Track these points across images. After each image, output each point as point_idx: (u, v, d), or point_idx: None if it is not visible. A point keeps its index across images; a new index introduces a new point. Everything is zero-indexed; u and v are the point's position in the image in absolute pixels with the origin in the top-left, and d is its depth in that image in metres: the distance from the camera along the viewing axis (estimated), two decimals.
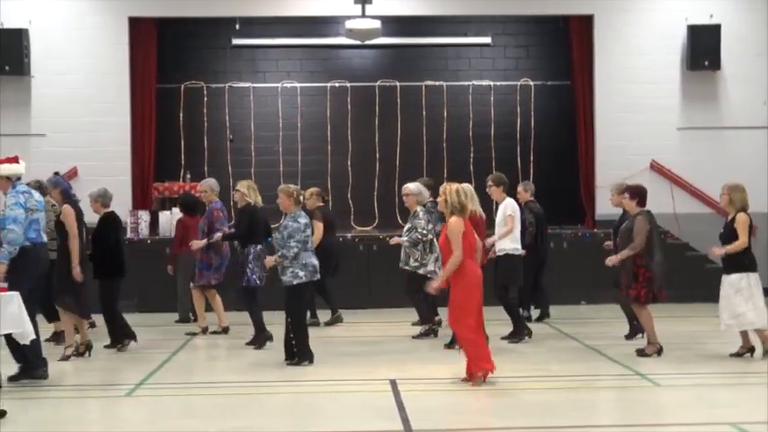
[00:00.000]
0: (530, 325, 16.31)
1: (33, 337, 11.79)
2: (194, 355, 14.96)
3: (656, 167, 21.15)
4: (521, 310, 16.34)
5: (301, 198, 13.73)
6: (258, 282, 15.00)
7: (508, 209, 15.31)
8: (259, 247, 15.07)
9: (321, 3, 21.34)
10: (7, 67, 20.45)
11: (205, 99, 22.18)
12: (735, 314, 13.45)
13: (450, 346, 14.18)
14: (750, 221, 13.53)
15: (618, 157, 21.03)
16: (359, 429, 10.17)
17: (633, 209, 13.95)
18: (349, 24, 20.93)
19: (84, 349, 14.12)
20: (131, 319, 16.47)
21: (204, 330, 16.35)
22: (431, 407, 11.00)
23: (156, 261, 18.38)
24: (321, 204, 17.06)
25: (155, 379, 12.74)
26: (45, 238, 12.65)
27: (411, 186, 15.68)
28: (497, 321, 15.31)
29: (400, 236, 15.48)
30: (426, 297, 15.19)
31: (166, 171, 21.54)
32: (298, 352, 13.39)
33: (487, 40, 22.47)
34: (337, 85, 22.32)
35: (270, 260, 13.43)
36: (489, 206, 16.25)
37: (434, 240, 14.87)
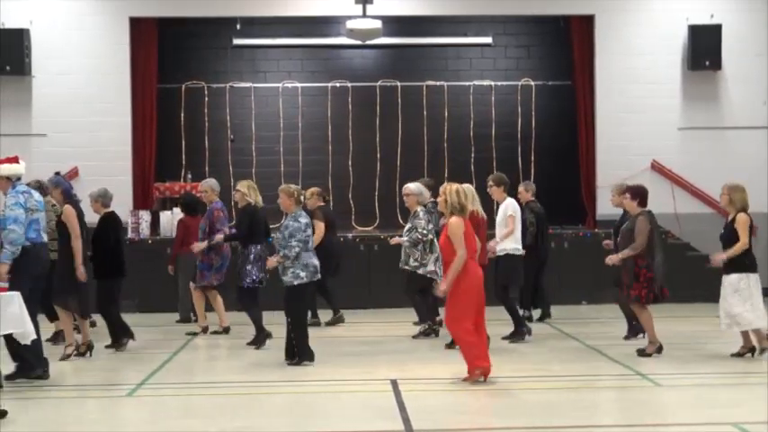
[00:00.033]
0: (531, 325, 16.34)
1: (34, 337, 11.77)
2: (195, 355, 14.96)
3: (657, 167, 21.15)
4: (521, 311, 16.38)
5: (302, 198, 13.74)
6: (259, 282, 15.00)
7: (509, 209, 15.31)
8: (259, 247, 15.08)
9: (322, 3, 21.34)
10: (8, 67, 20.45)
11: (206, 99, 22.18)
12: (730, 314, 13.46)
13: (451, 345, 14.19)
14: (750, 221, 13.54)
15: (619, 157, 21.03)
16: (360, 429, 10.17)
17: (634, 209, 13.95)
18: (350, 24, 20.93)
19: (85, 349, 14.12)
20: (132, 319, 16.51)
21: (204, 330, 16.35)
22: (432, 407, 11.00)
23: (157, 261, 18.39)
24: (322, 204, 17.06)
25: (156, 379, 12.74)
26: (45, 238, 12.65)
27: (411, 186, 15.68)
28: (498, 321, 15.31)
29: (401, 236, 15.49)
30: (428, 297, 15.22)
31: (167, 171, 21.54)
32: (298, 351, 13.39)
33: (488, 40, 22.46)
34: (338, 85, 22.32)
35: (272, 261, 13.43)
36: (490, 206, 16.23)
37: (435, 240, 14.88)
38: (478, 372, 11.99)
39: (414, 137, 22.17)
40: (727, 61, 21.04)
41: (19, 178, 12.54)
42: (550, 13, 21.72)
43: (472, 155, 22.11)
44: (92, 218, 14.68)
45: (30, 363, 12.15)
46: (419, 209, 15.41)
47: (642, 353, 13.75)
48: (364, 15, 20.87)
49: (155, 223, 20.07)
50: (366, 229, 21.66)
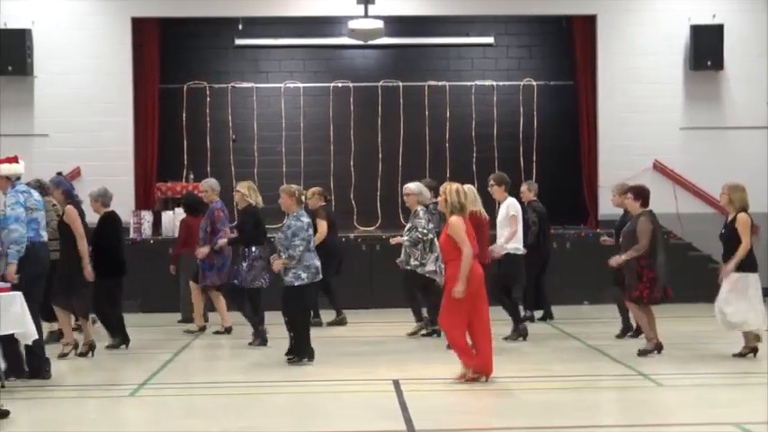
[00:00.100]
0: (532, 325, 16.36)
1: (35, 337, 11.81)
2: (197, 355, 14.97)
3: (659, 167, 21.15)
4: (523, 311, 16.38)
5: (303, 198, 13.75)
6: (262, 283, 15.03)
7: (511, 209, 15.32)
8: (260, 248, 15.08)
9: (324, 3, 21.34)
10: (10, 68, 20.46)
11: (208, 99, 22.19)
12: (722, 311, 13.47)
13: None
14: (751, 221, 13.54)
15: (621, 156, 21.03)
16: (361, 429, 10.17)
17: (636, 209, 13.95)
18: (352, 24, 20.94)
19: (87, 349, 14.13)
20: (134, 319, 16.58)
21: (201, 330, 16.36)
22: (433, 407, 11.00)
23: (159, 261, 18.40)
24: (323, 204, 17.06)
25: (157, 379, 12.75)
26: (45, 237, 12.67)
27: (411, 186, 15.69)
28: (499, 321, 15.30)
29: (401, 236, 15.50)
30: (430, 297, 15.21)
31: (169, 171, 21.54)
32: (297, 350, 13.42)
33: (490, 40, 22.46)
34: (340, 85, 22.32)
35: (278, 263, 13.37)
36: (490, 206, 16.24)
37: (435, 240, 14.88)
38: (469, 370, 12.02)
39: (415, 137, 22.18)
40: (730, 61, 21.04)
41: (18, 178, 12.56)
42: (552, 13, 21.72)
43: (474, 155, 22.11)
44: (92, 217, 14.70)
45: (17, 365, 12.12)
46: (419, 208, 15.42)
47: (643, 352, 13.76)
48: (366, 15, 20.88)
49: (156, 223, 20.07)
50: (368, 229, 21.67)
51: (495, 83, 22.43)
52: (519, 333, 15.23)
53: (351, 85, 22.31)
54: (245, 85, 22.33)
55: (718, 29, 20.91)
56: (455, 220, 12.04)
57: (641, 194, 14.01)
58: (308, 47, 22.58)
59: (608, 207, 17.79)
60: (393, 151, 22.20)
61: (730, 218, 13.64)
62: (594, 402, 11.57)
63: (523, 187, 17.44)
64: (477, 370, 12.06)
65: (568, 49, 21.98)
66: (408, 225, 15.46)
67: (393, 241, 16.00)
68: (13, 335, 11.61)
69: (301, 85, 22.35)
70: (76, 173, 20.37)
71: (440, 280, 14.16)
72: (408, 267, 15.28)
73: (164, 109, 21.76)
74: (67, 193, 14.05)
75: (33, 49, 20.67)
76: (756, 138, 21.19)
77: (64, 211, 13.91)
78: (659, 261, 13.68)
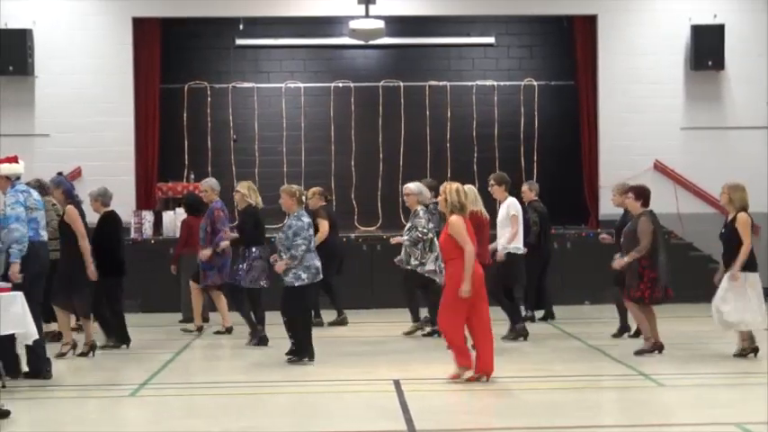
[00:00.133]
0: (533, 325, 16.37)
1: (36, 337, 11.81)
2: (198, 355, 14.97)
3: (660, 167, 21.16)
4: (524, 311, 16.37)
5: (303, 198, 13.76)
6: (262, 283, 15.03)
7: (511, 209, 15.32)
8: (260, 248, 15.08)
9: (325, 3, 21.34)
10: (11, 68, 20.47)
11: (209, 99, 22.19)
12: (719, 309, 13.47)
13: None
14: (751, 221, 13.54)
15: (621, 156, 21.03)
16: (363, 429, 10.17)
17: (637, 209, 13.95)
18: (352, 24, 20.94)
19: (88, 349, 14.13)
20: (135, 319, 16.58)
21: (199, 329, 16.36)
22: (435, 407, 11.00)
23: (160, 261, 18.40)
24: (324, 204, 17.05)
25: (158, 379, 12.75)
26: (44, 237, 12.67)
27: (411, 186, 15.70)
28: (500, 321, 15.31)
29: (401, 235, 15.52)
30: (430, 296, 15.21)
31: (170, 171, 21.55)
32: (297, 350, 13.43)
33: (491, 40, 22.46)
34: (341, 85, 22.32)
35: (281, 264, 13.36)
36: (490, 206, 16.23)
37: (434, 240, 14.89)
38: (463, 371, 12.03)
39: (416, 137, 22.19)
40: (730, 61, 21.04)
41: (18, 178, 12.57)
42: (553, 13, 21.72)
43: (475, 155, 22.11)
44: (92, 217, 14.70)
45: (7, 364, 12.12)
46: (419, 208, 15.43)
47: (640, 352, 13.78)
48: (367, 15, 20.88)
49: (157, 223, 20.08)
50: (369, 229, 21.67)
51: (495, 83, 22.43)
52: (517, 333, 15.22)
53: (352, 85, 22.31)
54: (245, 85, 22.33)
55: (719, 29, 20.92)
56: (455, 219, 12.04)
57: (642, 194, 14.01)
58: (309, 47, 22.58)
59: (609, 207, 17.80)
60: (394, 151, 22.20)
61: (730, 217, 13.64)
62: (595, 402, 11.57)
63: (524, 187, 17.45)
64: (479, 370, 12.07)
65: (569, 49, 21.98)
66: (408, 225, 15.48)
67: (393, 241, 16.01)
68: (10, 335, 11.62)
69: (302, 85, 22.36)
70: (77, 173, 20.38)
71: (439, 279, 14.16)
72: (409, 267, 15.29)
73: (165, 109, 21.76)
74: (68, 193, 14.05)
75: (34, 49, 20.68)
76: (757, 138, 21.19)
77: (64, 211, 13.90)
78: (660, 261, 13.68)
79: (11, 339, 11.89)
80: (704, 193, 20.90)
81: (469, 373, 12.06)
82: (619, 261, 13.87)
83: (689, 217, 20.74)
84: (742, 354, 13.56)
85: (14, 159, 12.59)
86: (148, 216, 19.94)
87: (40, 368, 12.32)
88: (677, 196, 20.95)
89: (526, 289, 16.95)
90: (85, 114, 20.79)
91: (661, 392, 11.80)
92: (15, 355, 12.26)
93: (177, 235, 18.24)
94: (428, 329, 15.66)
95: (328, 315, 17.16)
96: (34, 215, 12.43)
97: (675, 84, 21.29)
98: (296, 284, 13.28)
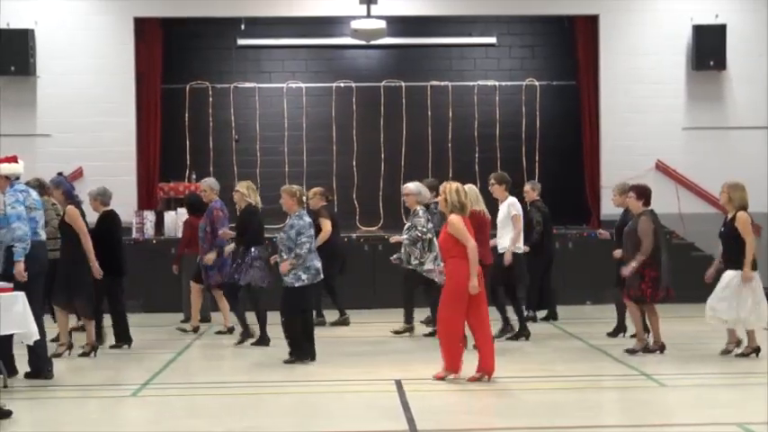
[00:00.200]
0: (535, 325, 16.37)
1: (37, 337, 11.81)
2: (199, 355, 14.98)
3: (662, 167, 21.15)
4: (526, 311, 16.36)
5: (304, 198, 13.76)
6: (263, 283, 15.04)
7: (512, 209, 15.32)
8: (260, 247, 15.08)
9: (326, 3, 21.34)
10: (13, 68, 20.47)
11: (210, 99, 22.19)
12: (713, 308, 13.49)
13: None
14: (750, 220, 13.54)
15: (623, 156, 21.02)
16: (364, 429, 10.18)
17: (638, 208, 13.95)
18: (354, 24, 20.94)
19: (89, 350, 14.14)
20: (137, 319, 16.59)
21: (195, 330, 16.37)
22: (436, 407, 11.00)
23: (161, 261, 18.40)
24: (325, 204, 17.04)
25: (160, 379, 12.75)
26: (43, 237, 12.67)
27: (410, 186, 15.71)
28: (500, 321, 15.34)
29: (401, 235, 15.55)
30: (431, 296, 15.22)
31: (172, 171, 21.54)
32: (292, 350, 13.42)
33: (492, 40, 22.45)
34: (342, 85, 22.32)
35: (285, 264, 13.37)
36: (490, 205, 16.22)
37: (433, 239, 14.90)
38: (447, 374, 12.05)
39: (418, 137, 22.18)
40: (732, 61, 21.03)
41: (18, 178, 12.58)
42: (555, 13, 21.70)
43: (476, 155, 22.11)
44: (92, 217, 14.70)
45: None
46: (419, 208, 15.45)
47: (632, 351, 13.79)
48: (368, 15, 20.88)
49: (159, 223, 20.08)
50: (370, 229, 21.67)
51: (497, 83, 22.42)
52: (503, 333, 15.19)
53: (353, 85, 22.31)
54: (247, 85, 22.32)
55: (721, 29, 20.90)
56: (454, 218, 12.05)
57: (643, 194, 14.02)
58: (311, 47, 22.58)
59: (610, 207, 17.77)
60: (396, 151, 22.19)
61: (729, 216, 13.65)
62: (597, 402, 11.57)
63: (527, 187, 17.45)
64: (480, 369, 12.07)
65: (571, 49, 21.97)
66: (408, 224, 15.49)
67: (392, 240, 16.04)
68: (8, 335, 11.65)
69: (304, 85, 22.35)
70: (79, 173, 20.38)
71: (438, 279, 14.14)
72: (410, 266, 15.30)
73: (166, 109, 21.76)
74: (68, 194, 14.05)
75: (36, 49, 20.67)
76: (759, 138, 21.18)
77: (64, 212, 13.90)
78: (662, 260, 13.69)
79: (9, 339, 11.90)
80: (706, 193, 20.88)
81: (452, 376, 12.10)
82: (626, 268, 13.80)
83: (690, 217, 20.73)
84: (727, 352, 13.60)
85: (14, 159, 12.59)
86: (150, 216, 19.95)
87: (41, 368, 12.33)
88: (679, 196, 20.94)
89: (529, 289, 16.95)
90: (87, 114, 20.79)
91: (662, 392, 11.81)
92: (11, 355, 12.26)
93: (179, 235, 18.25)
94: (429, 330, 15.64)
95: (330, 315, 17.16)
96: (33, 215, 12.44)
97: (677, 84, 21.28)
98: (296, 285, 13.29)
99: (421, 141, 22.18)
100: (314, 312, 15.44)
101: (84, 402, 11.72)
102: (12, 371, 12.22)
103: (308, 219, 13.51)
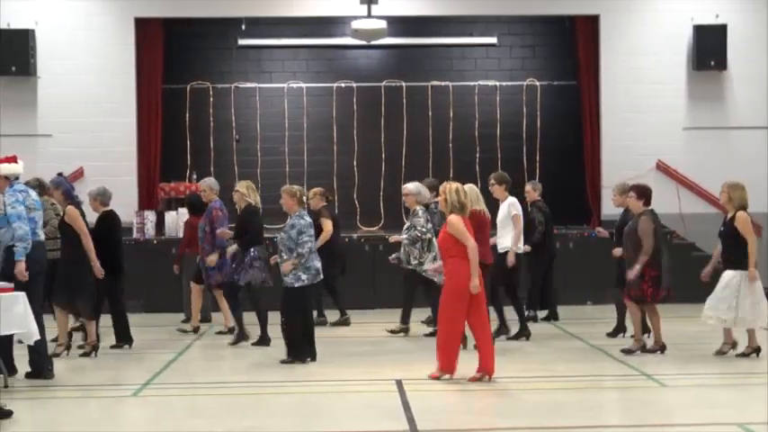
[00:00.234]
0: (536, 325, 16.38)
1: (38, 337, 11.82)
2: (200, 355, 14.98)
3: (662, 167, 21.15)
4: (527, 311, 16.37)
5: (304, 198, 13.76)
6: (264, 284, 15.04)
7: (512, 208, 15.32)
8: (259, 247, 15.09)
9: (327, 3, 21.34)
10: (13, 68, 20.48)
11: (211, 99, 22.19)
12: (711, 307, 13.48)
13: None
14: (750, 220, 13.55)
15: (624, 156, 21.03)
16: (365, 429, 10.18)
17: (638, 208, 13.95)
18: (355, 25, 20.94)
19: (90, 349, 14.14)
20: (138, 319, 16.59)
21: (195, 330, 16.37)
22: (437, 407, 11.01)
23: (162, 261, 18.41)
24: (325, 204, 17.04)
25: (161, 379, 12.76)
26: (41, 237, 12.68)
27: (410, 186, 15.74)
28: (510, 321, 15.34)
29: (400, 234, 15.56)
30: (431, 296, 15.22)
31: (172, 171, 21.54)
32: (289, 350, 13.43)
33: (493, 40, 22.45)
34: (343, 85, 22.32)
35: (287, 265, 13.36)
36: (490, 205, 16.23)
37: (433, 239, 14.91)
38: (444, 374, 12.05)
39: (419, 137, 22.18)
40: (733, 61, 21.03)
41: (17, 178, 12.59)
42: (555, 13, 21.71)
43: (477, 155, 22.11)
44: (92, 217, 14.71)
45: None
46: (418, 208, 15.46)
47: (628, 351, 13.79)
48: (369, 15, 20.88)
49: (160, 223, 20.09)
50: (371, 229, 21.67)
51: (498, 83, 22.42)
52: (499, 333, 15.18)
53: (354, 85, 22.31)
54: (248, 85, 22.33)
55: (722, 29, 20.90)
56: (454, 218, 12.06)
57: (644, 194, 14.02)
58: (312, 47, 22.58)
59: (611, 207, 17.76)
60: (396, 151, 22.19)
61: (729, 216, 13.66)
62: (598, 402, 11.57)
63: (528, 187, 17.45)
64: (480, 369, 12.08)
65: (571, 49, 21.97)
66: (407, 224, 15.51)
67: (392, 239, 16.06)
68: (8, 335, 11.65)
69: (304, 85, 22.35)
70: (80, 173, 20.39)
71: (438, 279, 14.16)
72: (409, 266, 15.32)
73: (167, 109, 21.76)
74: (67, 194, 14.04)
75: (36, 49, 20.68)
76: (759, 138, 21.18)
77: (64, 212, 13.91)
78: (662, 260, 13.69)
79: (9, 339, 11.90)
80: (706, 193, 20.88)
81: (447, 377, 12.12)
82: (631, 271, 13.76)
83: (691, 217, 20.73)
84: (721, 353, 13.61)
85: (13, 159, 12.59)
86: (151, 216, 19.94)
87: (41, 368, 12.33)
88: (680, 196, 20.95)
89: (530, 289, 16.96)
90: (88, 115, 20.79)
91: (663, 393, 11.81)
92: (11, 355, 12.26)
93: (180, 235, 18.25)
94: (430, 330, 15.64)
95: (331, 315, 17.16)
96: (32, 215, 12.43)
97: (678, 84, 21.28)
98: (296, 285, 13.29)
99: (422, 141, 22.18)
100: (315, 312, 15.48)
101: (84, 402, 11.73)
102: (11, 370, 12.23)
103: (308, 218, 13.52)
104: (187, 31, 22.09)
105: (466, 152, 22.13)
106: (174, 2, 21.28)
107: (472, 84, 22.40)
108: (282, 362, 13.46)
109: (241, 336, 15.17)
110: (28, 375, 12.35)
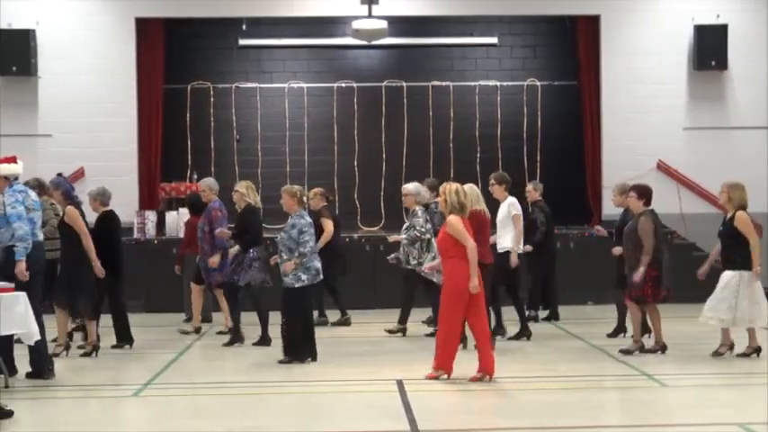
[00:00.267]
0: (536, 325, 16.38)
1: (38, 337, 11.82)
2: (201, 355, 14.98)
3: (663, 167, 21.15)
4: (528, 310, 16.36)
5: (305, 198, 13.76)
6: (264, 284, 15.04)
7: (513, 208, 15.32)
8: (259, 248, 15.08)
9: (328, 3, 21.35)
10: (14, 68, 20.50)
11: (212, 99, 22.20)
12: (710, 307, 13.49)
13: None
14: (750, 219, 13.56)
15: (624, 156, 21.03)
16: (366, 429, 10.18)
17: (639, 208, 13.94)
18: (355, 25, 20.95)
19: (91, 350, 14.14)
20: (138, 319, 16.57)
21: (197, 330, 16.36)
22: (437, 407, 11.01)
23: (163, 261, 18.41)
24: (325, 204, 17.04)
25: (162, 379, 12.75)
26: (40, 237, 12.68)
27: (409, 186, 15.75)
28: (506, 321, 15.33)
29: (400, 234, 15.57)
30: (432, 296, 15.22)
31: (173, 171, 21.55)
32: (288, 350, 13.43)
33: (494, 40, 22.46)
34: (344, 85, 22.33)
35: (289, 265, 13.35)
36: (490, 205, 16.22)
37: (432, 240, 14.92)
38: (441, 373, 12.05)
39: (419, 137, 22.19)
40: (733, 61, 21.04)
41: (16, 178, 12.60)
42: (556, 14, 21.72)
43: (478, 155, 22.11)
44: (92, 217, 14.70)
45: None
46: (417, 208, 15.46)
47: (626, 351, 13.79)
48: (370, 16, 20.89)
49: (160, 223, 20.08)
50: (371, 229, 21.67)
51: (498, 83, 22.43)
52: (495, 334, 15.14)
53: (354, 85, 22.32)
54: (248, 85, 22.34)
55: (722, 29, 20.92)
56: (453, 218, 12.06)
57: (644, 193, 14.01)
58: (312, 47, 22.59)
59: (611, 207, 17.74)
60: (397, 151, 22.20)
61: (729, 215, 13.66)
62: (599, 402, 11.57)
63: (529, 187, 17.46)
64: (481, 369, 12.08)
65: (572, 50, 21.98)
66: (406, 224, 15.51)
67: (391, 239, 16.07)
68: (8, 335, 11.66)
69: (305, 85, 22.36)
70: (80, 173, 20.40)
71: (437, 279, 14.15)
72: (409, 266, 15.32)
73: (168, 109, 21.77)
74: (67, 194, 14.03)
75: (37, 49, 20.69)
76: (760, 138, 21.19)
77: (64, 212, 13.90)
78: (663, 260, 13.69)
79: (9, 339, 11.91)
80: (707, 193, 20.88)
81: (444, 376, 12.12)
82: (636, 274, 13.73)
83: (692, 217, 20.73)
84: (718, 354, 13.60)
85: (13, 159, 12.61)
86: (151, 216, 19.94)
87: (42, 368, 12.33)
88: (680, 196, 20.95)
89: (531, 289, 16.95)
90: (88, 114, 20.81)
91: (664, 393, 11.81)
92: (11, 355, 12.26)
93: (180, 235, 18.25)
94: (431, 330, 15.64)
95: (332, 315, 17.16)
96: (31, 215, 12.44)
97: (678, 84, 21.29)
98: (296, 286, 13.30)
99: (422, 141, 22.19)
100: (316, 312, 15.48)
101: (85, 402, 11.73)
102: (12, 370, 12.23)
103: (308, 218, 13.53)
104: (188, 31, 22.11)
105: (466, 152, 22.14)
106: (174, 2, 21.29)
107: (473, 84, 22.41)
108: (280, 362, 13.46)
109: (236, 337, 15.15)
110: (28, 375, 12.34)
